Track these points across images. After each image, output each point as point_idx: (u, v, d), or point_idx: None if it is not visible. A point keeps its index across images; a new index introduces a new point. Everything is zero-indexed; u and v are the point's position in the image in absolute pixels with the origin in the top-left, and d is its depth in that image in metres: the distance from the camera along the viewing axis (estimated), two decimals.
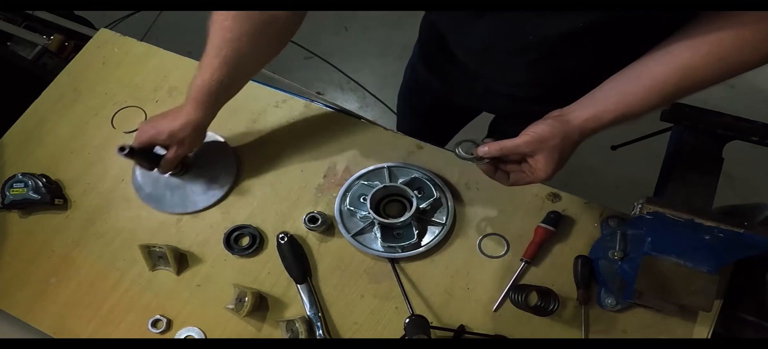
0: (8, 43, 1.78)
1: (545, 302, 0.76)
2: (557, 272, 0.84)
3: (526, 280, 0.84)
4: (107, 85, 1.11)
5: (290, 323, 0.81)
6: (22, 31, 1.79)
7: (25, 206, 0.95)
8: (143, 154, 0.87)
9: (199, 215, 0.95)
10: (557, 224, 0.85)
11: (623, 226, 0.82)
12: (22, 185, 0.95)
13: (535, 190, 0.91)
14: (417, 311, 0.82)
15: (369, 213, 0.86)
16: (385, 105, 2.21)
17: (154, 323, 0.86)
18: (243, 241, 0.91)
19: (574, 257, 0.83)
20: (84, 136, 1.05)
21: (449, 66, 0.96)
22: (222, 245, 0.90)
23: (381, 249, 0.86)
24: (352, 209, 0.89)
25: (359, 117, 1.02)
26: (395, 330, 0.83)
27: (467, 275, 0.86)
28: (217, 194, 0.95)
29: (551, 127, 0.65)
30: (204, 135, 0.87)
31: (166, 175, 0.94)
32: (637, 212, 0.67)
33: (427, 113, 1.22)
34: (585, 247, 0.86)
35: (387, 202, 0.91)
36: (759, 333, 0.76)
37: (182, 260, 0.91)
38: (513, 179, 0.72)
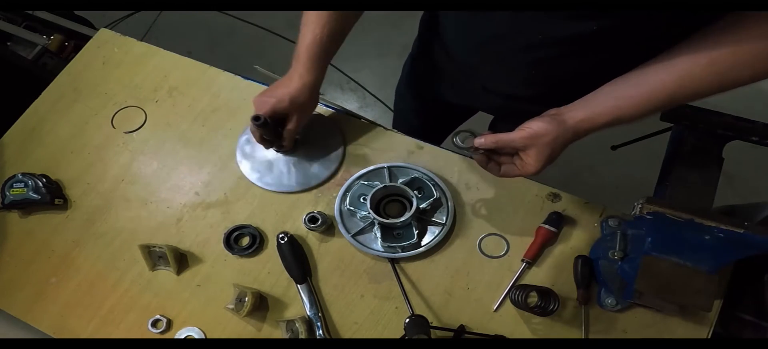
0: (8, 43, 1.78)
1: (545, 302, 0.76)
2: (557, 272, 0.84)
3: (526, 280, 0.84)
4: (107, 85, 1.11)
5: (290, 323, 0.81)
6: (22, 31, 1.79)
7: (25, 206, 0.95)
8: (272, 127, 0.86)
9: (199, 215, 0.95)
10: (558, 224, 0.85)
11: (623, 226, 0.82)
12: (22, 185, 0.95)
13: (536, 190, 0.91)
14: (417, 311, 0.82)
15: (369, 213, 0.86)
16: (385, 105, 2.21)
17: (154, 323, 0.86)
18: (243, 241, 0.91)
19: (574, 257, 0.83)
20: (84, 136, 1.05)
21: (447, 62, 0.96)
22: (222, 245, 0.90)
23: (381, 249, 0.86)
24: (352, 209, 0.89)
25: (359, 117, 1.02)
26: (395, 330, 0.83)
27: (467, 275, 0.86)
28: (334, 162, 0.96)
29: (546, 124, 0.67)
30: (318, 99, 0.86)
31: (276, 153, 0.96)
32: (637, 212, 0.67)
33: (423, 110, 1.22)
34: (585, 247, 0.86)
35: (387, 202, 0.91)
36: (758, 333, 0.76)
37: (182, 260, 0.91)
38: (504, 171, 0.74)
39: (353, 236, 0.88)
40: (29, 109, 1.10)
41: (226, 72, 1.10)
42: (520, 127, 0.69)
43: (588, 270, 0.81)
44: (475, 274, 0.86)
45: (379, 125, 1.01)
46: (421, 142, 0.98)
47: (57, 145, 1.05)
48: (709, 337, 0.78)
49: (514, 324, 0.82)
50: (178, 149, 1.02)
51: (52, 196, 0.95)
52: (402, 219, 0.84)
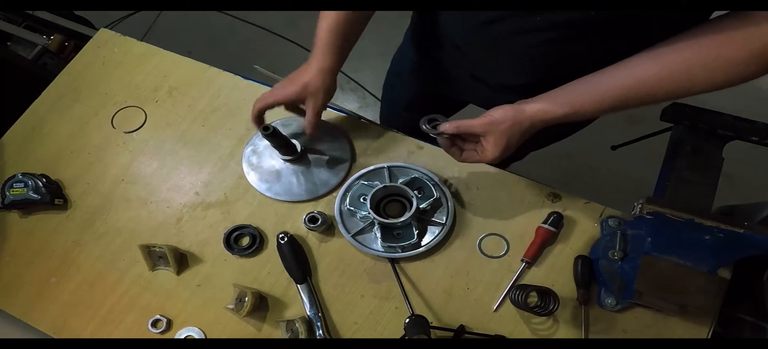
0: (8, 43, 1.78)
1: (545, 302, 0.76)
2: (557, 272, 0.84)
3: (526, 280, 0.84)
4: (107, 85, 1.11)
5: (290, 323, 0.81)
6: (22, 31, 1.78)
7: (25, 206, 0.95)
8: (281, 138, 0.89)
9: (199, 215, 0.95)
10: (558, 224, 0.85)
11: (623, 226, 0.82)
12: (22, 185, 0.95)
13: (536, 190, 0.91)
14: (417, 311, 0.82)
15: (369, 213, 0.86)
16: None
17: (154, 323, 0.86)
18: (243, 241, 0.91)
19: (574, 257, 0.83)
20: (84, 136, 1.05)
21: (436, 48, 0.95)
22: (222, 245, 0.90)
23: (381, 249, 0.86)
24: (352, 209, 0.89)
25: (359, 117, 1.02)
26: (395, 330, 0.83)
27: (467, 275, 0.86)
28: (343, 169, 0.96)
29: (505, 112, 0.71)
30: (336, 84, 0.85)
31: (284, 162, 0.96)
32: (637, 212, 0.67)
33: (412, 102, 1.22)
34: (585, 247, 0.86)
35: (387, 202, 0.91)
36: (757, 333, 0.76)
37: (182, 260, 0.91)
38: (464, 156, 0.78)
39: (353, 236, 0.88)
40: (29, 109, 1.10)
41: (226, 72, 1.10)
42: (482, 114, 0.73)
43: (588, 270, 0.81)
44: (475, 274, 0.86)
45: (379, 125, 1.01)
46: (421, 143, 0.98)
47: (57, 145, 1.05)
48: (709, 337, 0.78)
49: (514, 324, 0.82)
50: (178, 149, 1.02)
51: (52, 196, 0.95)
52: (402, 219, 0.84)
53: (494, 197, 0.91)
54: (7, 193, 0.95)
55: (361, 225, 0.89)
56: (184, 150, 1.02)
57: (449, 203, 0.89)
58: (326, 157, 0.97)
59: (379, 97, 2.25)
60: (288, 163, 0.96)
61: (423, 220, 0.89)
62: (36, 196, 0.94)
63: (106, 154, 1.03)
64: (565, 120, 0.69)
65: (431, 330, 0.75)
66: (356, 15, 0.81)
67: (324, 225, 0.89)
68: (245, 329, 0.85)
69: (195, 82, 1.09)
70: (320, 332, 0.82)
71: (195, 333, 0.85)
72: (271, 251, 0.90)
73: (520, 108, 0.71)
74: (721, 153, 0.72)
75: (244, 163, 0.98)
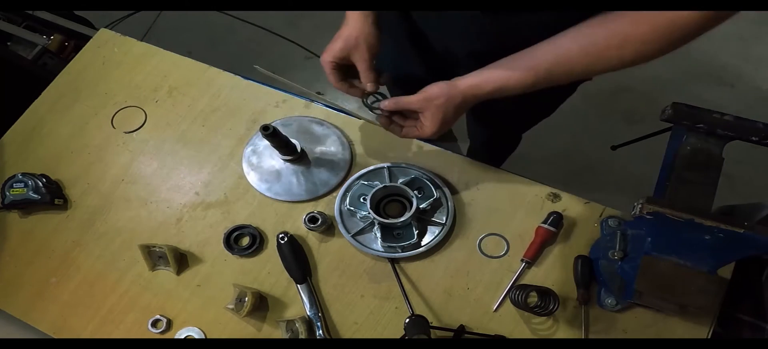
0: (8, 43, 1.78)
1: (545, 302, 0.76)
2: (557, 272, 0.84)
3: (526, 280, 0.84)
4: (107, 85, 1.11)
5: (290, 323, 0.81)
6: (22, 31, 1.78)
7: (25, 206, 0.95)
8: (281, 138, 0.89)
9: (199, 215, 0.95)
10: (558, 224, 0.85)
11: (623, 226, 0.82)
12: (22, 185, 0.95)
13: (536, 190, 0.91)
14: (417, 311, 0.82)
15: (369, 213, 0.86)
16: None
17: (154, 323, 0.86)
18: (243, 241, 0.91)
19: (574, 257, 0.83)
20: (84, 136, 1.05)
21: (404, 23, 0.95)
22: (222, 245, 0.90)
23: (381, 249, 0.86)
24: (352, 209, 0.89)
25: (359, 117, 1.02)
26: (395, 330, 0.83)
27: (467, 275, 0.86)
28: (342, 169, 0.96)
29: (439, 88, 0.74)
30: (378, 31, 0.82)
31: (284, 162, 0.95)
32: (637, 212, 0.67)
33: (394, 82, 1.21)
34: (585, 247, 0.86)
35: (387, 202, 0.91)
36: (756, 333, 0.76)
37: (182, 260, 0.91)
38: (404, 132, 0.81)
39: (353, 236, 0.88)
40: (29, 109, 1.10)
41: (226, 72, 1.10)
42: (419, 92, 0.76)
43: (588, 270, 0.81)
44: (475, 274, 0.86)
45: (380, 125, 1.00)
46: (421, 142, 0.98)
47: (57, 145, 1.05)
48: (709, 337, 0.78)
49: (514, 324, 0.82)
50: (178, 149, 1.02)
51: (52, 196, 0.95)
52: (402, 219, 0.84)
53: (494, 197, 0.91)
54: (7, 193, 0.95)
55: (361, 225, 0.89)
56: (184, 150, 1.02)
57: (449, 203, 0.89)
58: (326, 157, 0.97)
59: None
60: (288, 163, 0.96)
61: (423, 220, 0.89)
62: (36, 196, 0.94)
63: (106, 154, 1.03)
64: (495, 95, 0.73)
65: (431, 330, 0.75)
66: None
67: (324, 225, 0.89)
68: (245, 329, 0.85)
69: (195, 82, 1.09)
70: (320, 332, 0.82)
71: (195, 333, 0.85)
72: (271, 251, 0.90)
73: (454, 84, 0.74)
74: (721, 153, 0.71)
75: (244, 163, 0.98)
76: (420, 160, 0.95)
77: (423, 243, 0.87)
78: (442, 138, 1.86)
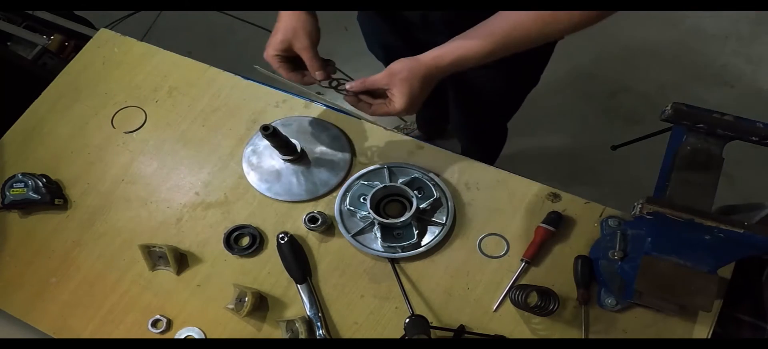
0: (8, 43, 1.78)
1: (545, 302, 0.76)
2: (557, 272, 0.84)
3: (526, 280, 0.84)
4: (107, 85, 1.11)
5: (290, 323, 0.81)
6: (22, 31, 1.79)
7: (25, 206, 0.95)
8: (281, 138, 0.89)
9: (199, 215, 0.95)
10: (558, 224, 0.85)
11: (623, 226, 0.82)
12: (22, 185, 0.95)
13: (536, 190, 0.91)
14: (417, 311, 0.82)
15: (369, 213, 0.86)
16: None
17: (154, 323, 0.86)
18: (243, 241, 0.91)
19: (574, 257, 0.83)
20: (84, 136, 1.05)
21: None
22: (222, 245, 0.90)
23: (381, 249, 0.86)
24: (352, 209, 0.89)
25: (359, 117, 1.02)
26: (395, 330, 0.83)
27: (467, 275, 0.86)
28: (342, 169, 0.96)
29: (402, 63, 0.76)
30: (316, 19, 0.82)
31: (284, 162, 0.96)
32: (637, 212, 0.67)
33: (387, 58, 1.24)
34: (585, 247, 0.86)
35: (387, 202, 0.91)
36: (756, 334, 0.76)
37: (182, 260, 0.91)
38: (373, 109, 0.82)
39: (353, 236, 0.88)
40: (29, 109, 1.10)
41: (226, 72, 1.10)
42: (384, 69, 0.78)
43: (588, 270, 0.81)
44: (475, 274, 0.86)
45: (380, 125, 1.01)
46: (421, 142, 0.98)
47: (57, 145, 1.05)
48: (709, 337, 0.78)
49: (514, 324, 0.82)
50: (178, 149, 1.02)
51: (52, 196, 0.95)
52: (402, 219, 0.84)
53: (494, 197, 0.91)
54: (7, 193, 0.95)
55: (361, 225, 0.89)
56: (184, 150, 1.02)
57: (449, 203, 0.89)
58: (326, 157, 0.97)
59: None
60: (288, 163, 0.96)
61: (423, 220, 0.89)
62: (36, 196, 0.94)
63: (106, 154, 1.03)
64: (458, 65, 0.75)
65: (431, 330, 0.75)
66: None
67: (324, 225, 0.89)
68: (245, 329, 0.85)
69: (195, 82, 1.09)
70: (320, 332, 0.82)
71: (195, 333, 0.85)
72: (271, 251, 0.90)
73: (416, 58, 0.77)
74: (721, 153, 0.71)
75: (244, 163, 0.98)
76: (420, 161, 0.95)
77: (423, 243, 0.87)
78: (440, 136, 1.86)
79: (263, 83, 1.07)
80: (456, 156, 0.95)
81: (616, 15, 0.71)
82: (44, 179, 0.96)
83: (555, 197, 0.90)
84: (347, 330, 0.84)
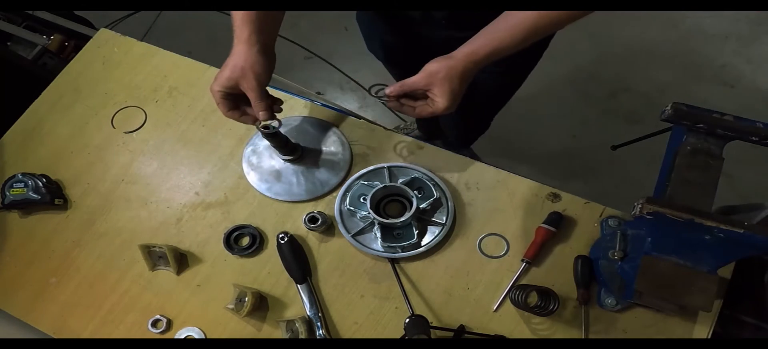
0: (8, 43, 1.78)
1: (545, 302, 0.76)
2: (557, 272, 0.84)
3: (526, 280, 0.84)
4: (107, 85, 1.11)
5: (290, 323, 0.81)
6: (22, 31, 1.78)
7: (25, 206, 0.95)
8: (281, 138, 0.90)
9: (199, 215, 0.95)
10: (558, 224, 0.85)
11: (623, 226, 0.82)
12: (22, 185, 0.95)
13: (536, 190, 0.91)
14: (417, 311, 0.82)
15: (369, 213, 0.86)
16: (386, 105, 2.22)
17: (154, 323, 0.86)
18: (243, 241, 0.91)
19: (574, 257, 0.83)
20: (84, 136, 1.05)
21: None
22: (222, 245, 0.90)
23: (381, 249, 0.86)
24: (352, 209, 0.89)
25: (359, 117, 1.02)
26: (395, 330, 0.83)
27: (467, 275, 0.86)
28: (342, 169, 0.96)
29: (438, 63, 0.78)
30: (269, 58, 0.82)
31: (284, 162, 0.96)
32: (637, 212, 0.67)
33: (387, 58, 1.27)
34: (585, 247, 0.85)
35: (387, 202, 0.91)
36: (758, 334, 0.76)
37: (182, 260, 0.91)
38: (417, 111, 0.84)
39: (353, 236, 0.88)
40: (29, 109, 1.10)
41: None
42: (420, 72, 0.80)
43: (588, 270, 0.81)
44: (475, 274, 0.86)
45: (379, 125, 1.01)
46: (421, 142, 0.98)
47: (57, 145, 1.05)
48: (709, 337, 0.78)
49: (514, 324, 0.82)
50: (178, 149, 1.02)
51: (52, 196, 0.95)
52: (402, 219, 0.84)
53: (494, 197, 0.91)
54: (7, 193, 0.95)
55: (361, 225, 0.89)
56: (184, 150, 1.02)
57: (449, 203, 0.89)
58: (326, 157, 0.97)
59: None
60: (288, 163, 0.96)
61: (423, 220, 0.89)
62: (36, 196, 0.94)
63: (106, 154, 1.03)
64: (493, 58, 0.77)
65: (431, 330, 0.75)
66: None
67: (324, 225, 0.89)
68: (245, 329, 0.85)
69: (195, 82, 1.09)
70: (320, 332, 0.82)
71: (195, 333, 0.85)
72: (271, 251, 0.90)
73: (451, 56, 0.78)
74: (721, 153, 0.71)
75: (244, 163, 0.98)
76: (420, 160, 0.95)
77: (423, 243, 0.87)
78: (439, 136, 1.87)
79: None
80: (456, 156, 0.96)
81: (616, 15, 0.72)
82: (44, 179, 0.96)
83: (555, 197, 0.90)
84: (347, 330, 0.84)
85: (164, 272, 0.90)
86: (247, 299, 0.82)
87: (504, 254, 0.87)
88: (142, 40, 1.16)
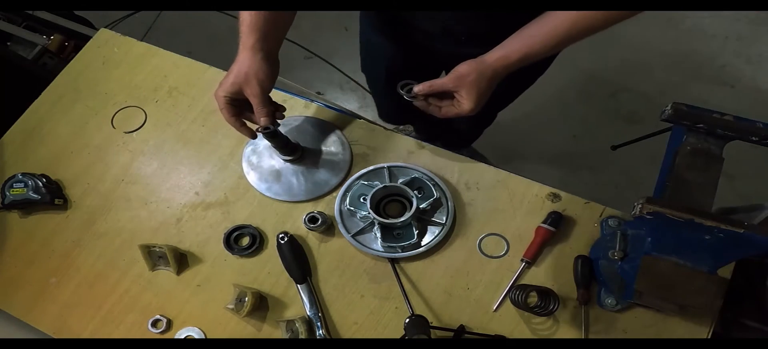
0: (8, 43, 1.78)
1: (545, 302, 0.76)
2: (557, 272, 0.84)
3: (526, 280, 0.84)
4: (107, 85, 1.11)
5: (290, 323, 0.81)
6: (22, 31, 1.78)
7: (25, 206, 0.95)
8: (282, 138, 0.90)
9: (199, 215, 0.95)
10: (558, 224, 0.85)
11: (623, 226, 0.82)
12: (22, 185, 0.95)
13: (535, 190, 0.91)
14: (417, 311, 0.82)
15: (369, 213, 0.86)
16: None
17: (154, 323, 0.86)
18: (243, 241, 0.91)
19: (574, 257, 0.83)
20: (84, 136, 1.05)
21: (394, 19, 0.97)
22: (222, 245, 0.90)
23: (381, 249, 0.86)
24: (352, 209, 0.89)
25: (359, 117, 1.02)
26: (395, 330, 0.83)
27: (467, 275, 0.86)
28: (342, 169, 0.95)
29: (469, 65, 0.78)
30: (273, 65, 0.82)
31: (284, 162, 0.96)
32: (637, 212, 0.67)
33: (389, 76, 1.22)
34: (585, 247, 0.85)
35: (387, 202, 0.91)
36: (762, 337, 0.75)
37: (182, 260, 0.91)
38: (443, 112, 0.85)
39: (353, 236, 0.88)
40: (29, 109, 1.10)
41: (226, 72, 1.09)
42: (450, 73, 0.80)
43: (588, 270, 0.81)
44: (475, 274, 0.86)
45: (379, 125, 1.01)
46: (422, 142, 0.98)
47: (57, 145, 1.05)
48: (709, 337, 0.78)
49: (514, 324, 0.82)
50: (178, 149, 1.02)
51: (52, 196, 0.95)
52: (402, 219, 0.84)
53: (494, 197, 0.91)
54: (7, 193, 0.95)
55: (361, 225, 0.89)
56: (184, 150, 1.02)
57: (449, 203, 0.89)
58: (326, 157, 0.97)
59: None
60: (288, 163, 0.96)
61: (423, 220, 0.89)
62: (36, 196, 0.94)
63: (106, 154, 1.03)
64: (523, 63, 0.77)
65: (431, 330, 0.75)
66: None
67: (324, 225, 0.89)
68: (245, 329, 0.85)
69: (195, 82, 1.09)
70: (320, 332, 0.82)
71: (195, 333, 0.85)
72: (271, 251, 0.90)
73: (482, 59, 0.78)
74: (721, 153, 0.71)
75: (244, 163, 0.98)
76: (420, 161, 0.95)
77: (423, 243, 0.87)
78: (439, 136, 1.87)
79: None
80: (456, 156, 0.96)
81: None
82: (44, 179, 0.96)
83: (555, 197, 0.90)
84: (347, 330, 0.84)
85: (164, 272, 0.90)
86: (247, 299, 0.82)
87: (504, 254, 0.87)
88: (142, 40, 1.16)
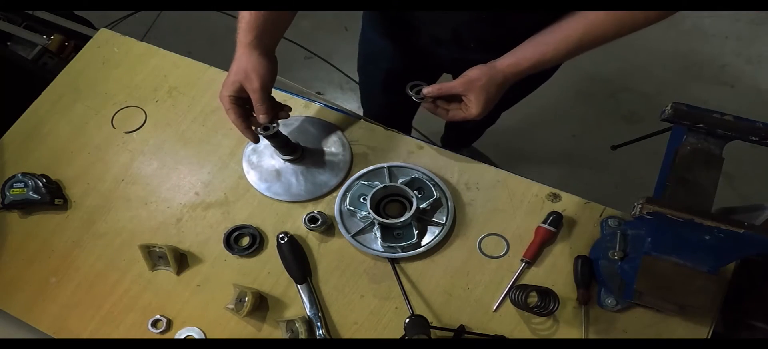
0: (8, 43, 1.78)
1: (545, 302, 0.76)
2: (557, 272, 0.84)
3: (526, 280, 0.84)
4: (107, 85, 1.11)
5: (290, 323, 0.81)
6: (22, 31, 1.79)
7: (25, 206, 0.95)
8: (282, 138, 0.90)
9: (199, 215, 0.95)
10: (558, 224, 0.85)
11: (623, 226, 0.82)
12: (22, 185, 0.95)
13: (535, 190, 0.91)
14: (417, 311, 0.82)
15: (369, 213, 0.86)
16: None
17: (154, 323, 0.86)
18: (243, 241, 0.91)
19: (574, 257, 0.83)
20: (84, 136, 1.05)
21: (400, 22, 0.97)
22: (222, 245, 0.90)
23: (381, 249, 0.86)
24: (352, 209, 0.89)
25: (359, 117, 1.02)
26: (395, 330, 0.83)
27: (467, 275, 0.86)
28: (342, 169, 0.95)
29: (479, 70, 0.78)
30: (271, 61, 0.82)
31: (284, 162, 0.95)
32: (637, 212, 0.67)
33: (387, 82, 1.21)
34: (585, 247, 0.86)
35: (387, 202, 0.91)
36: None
37: (182, 260, 0.91)
38: (450, 115, 0.85)
39: (353, 236, 0.88)
40: (29, 109, 1.10)
41: (226, 72, 1.09)
42: (460, 76, 0.80)
43: (588, 270, 0.81)
44: (475, 274, 0.86)
45: (379, 125, 1.01)
46: (421, 143, 0.98)
47: (57, 145, 1.05)
48: (709, 337, 0.78)
49: (514, 324, 0.82)
50: (178, 149, 1.02)
51: (52, 196, 0.95)
52: (402, 219, 0.84)
53: (494, 196, 0.91)
54: (7, 193, 0.95)
55: (361, 225, 0.89)
56: (184, 150, 1.02)
57: (449, 203, 0.89)
58: (326, 157, 0.97)
59: None
60: (288, 163, 0.96)
61: (423, 220, 0.89)
62: (36, 196, 0.94)
63: (106, 154, 1.03)
64: (534, 70, 0.77)
65: (431, 330, 0.75)
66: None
67: (324, 225, 0.89)
68: (245, 329, 0.85)
69: (195, 82, 1.09)
70: (320, 332, 0.82)
71: (195, 333, 0.85)
72: (271, 251, 0.90)
73: (493, 65, 0.78)
74: (721, 153, 0.71)
75: (244, 163, 0.98)
76: (420, 161, 0.95)
77: (423, 243, 0.87)
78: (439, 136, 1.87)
79: None
80: (456, 156, 0.96)
81: None
82: (44, 179, 0.96)
83: (555, 197, 0.90)
84: (347, 330, 0.84)
85: (164, 272, 0.90)
86: (247, 299, 0.82)
87: (504, 254, 0.87)
88: (142, 40, 1.16)
